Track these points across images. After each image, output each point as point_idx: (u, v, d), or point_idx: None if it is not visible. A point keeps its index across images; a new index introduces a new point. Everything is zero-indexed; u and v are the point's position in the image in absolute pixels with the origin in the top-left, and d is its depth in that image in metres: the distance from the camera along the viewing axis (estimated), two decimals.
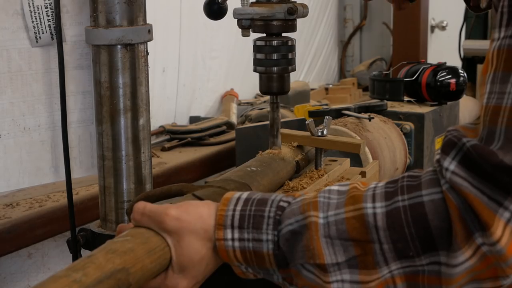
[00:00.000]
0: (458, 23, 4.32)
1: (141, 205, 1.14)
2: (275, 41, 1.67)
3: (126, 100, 1.64)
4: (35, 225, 2.09)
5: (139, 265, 1.04)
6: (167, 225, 1.11)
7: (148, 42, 1.68)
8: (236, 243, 1.10)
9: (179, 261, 1.11)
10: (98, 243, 1.10)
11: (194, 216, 1.12)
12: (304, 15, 1.68)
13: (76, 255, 1.70)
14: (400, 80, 2.83)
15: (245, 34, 1.68)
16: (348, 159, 1.90)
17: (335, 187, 1.11)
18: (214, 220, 1.12)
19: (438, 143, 2.74)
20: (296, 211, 1.09)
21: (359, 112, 2.54)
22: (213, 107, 3.56)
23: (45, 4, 1.71)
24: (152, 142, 2.12)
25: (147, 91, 1.69)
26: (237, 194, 1.15)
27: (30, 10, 1.70)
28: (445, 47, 4.57)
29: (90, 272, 0.97)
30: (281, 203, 1.12)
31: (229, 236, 1.10)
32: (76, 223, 1.75)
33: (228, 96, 3.54)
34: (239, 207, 1.12)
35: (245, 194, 1.15)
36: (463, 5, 4.43)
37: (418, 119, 2.62)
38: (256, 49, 1.69)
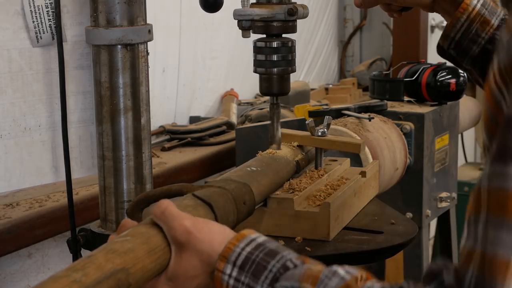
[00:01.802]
0: None
1: (165, 204, 1.13)
2: (275, 42, 1.67)
3: (126, 100, 1.64)
4: (35, 225, 2.09)
5: (139, 265, 1.04)
6: (176, 233, 1.11)
7: (148, 42, 1.68)
8: (232, 281, 1.09)
9: (174, 269, 1.11)
10: (98, 243, 1.11)
11: (205, 238, 1.11)
12: (304, 16, 1.68)
13: (76, 255, 1.70)
14: (400, 80, 2.83)
15: (245, 35, 1.68)
16: (348, 159, 1.91)
17: (341, 271, 1.07)
18: (222, 250, 1.11)
19: (438, 143, 2.74)
20: (296, 277, 1.07)
21: (359, 112, 2.54)
22: (213, 107, 3.56)
23: (46, 4, 1.71)
24: (152, 142, 2.12)
25: (147, 91, 1.69)
26: (254, 234, 1.14)
27: (30, 10, 1.70)
28: None
29: (90, 272, 0.97)
30: (288, 263, 1.10)
31: (228, 271, 1.10)
32: (76, 223, 1.75)
33: (228, 96, 3.54)
34: (248, 248, 1.11)
35: (261, 238, 1.13)
36: None
37: (418, 119, 2.63)
38: (256, 50, 1.69)
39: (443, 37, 1.67)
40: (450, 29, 1.64)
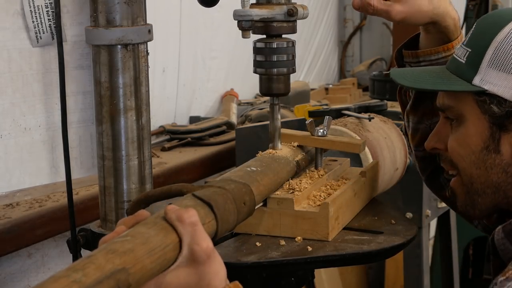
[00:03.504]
0: None
1: (195, 217, 1.13)
2: (275, 43, 1.67)
3: (126, 100, 1.64)
4: (35, 225, 2.09)
5: (139, 265, 1.04)
6: (199, 249, 1.10)
7: (148, 42, 1.68)
8: None
9: (170, 280, 1.10)
10: (98, 243, 1.10)
11: (214, 268, 1.12)
12: (304, 16, 1.68)
13: (76, 255, 1.70)
14: None
15: (245, 35, 1.68)
16: (348, 159, 1.91)
17: None
18: None
19: None
20: None
21: (359, 112, 2.54)
22: (213, 107, 3.56)
23: (46, 4, 1.71)
24: (152, 142, 2.13)
25: (147, 91, 1.69)
26: None
27: (30, 10, 1.70)
28: None
29: (90, 272, 0.97)
30: None
31: None
32: (76, 223, 1.75)
33: (228, 96, 3.54)
34: None
35: None
36: (463, 5, 4.43)
37: None
38: (256, 50, 1.69)
39: (411, 52, 1.70)
40: (424, 54, 1.67)
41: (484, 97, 1.36)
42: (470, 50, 1.40)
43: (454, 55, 1.45)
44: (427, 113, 1.70)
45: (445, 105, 1.44)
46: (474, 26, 1.44)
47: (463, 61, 1.40)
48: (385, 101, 2.74)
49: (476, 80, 1.37)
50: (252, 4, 1.68)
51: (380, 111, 2.63)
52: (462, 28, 4.23)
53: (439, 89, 1.44)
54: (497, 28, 1.37)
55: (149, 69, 1.70)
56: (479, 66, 1.36)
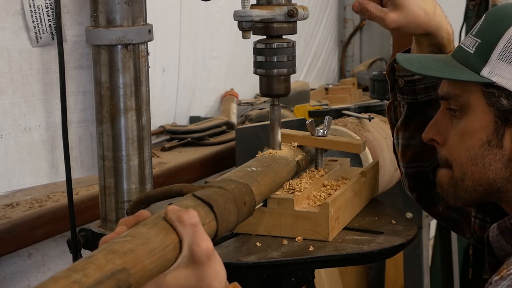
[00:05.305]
0: (458, 23, 4.32)
1: (196, 218, 1.13)
2: (275, 44, 1.67)
3: (126, 100, 1.64)
4: (35, 225, 2.09)
5: (140, 265, 1.04)
6: (199, 250, 1.10)
7: (148, 42, 1.68)
8: None
9: (169, 281, 1.10)
10: (98, 243, 1.11)
11: (214, 269, 1.12)
12: (305, 17, 1.68)
13: (76, 255, 1.70)
14: None
15: (245, 36, 1.68)
16: (348, 159, 1.91)
17: None
18: None
19: None
20: None
21: (359, 112, 2.53)
22: (213, 107, 3.56)
23: (46, 4, 1.71)
24: (152, 142, 2.12)
25: (147, 91, 1.69)
26: None
27: (30, 10, 1.70)
28: None
29: (91, 272, 0.97)
30: None
31: None
32: (76, 223, 1.75)
33: (228, 96, 3.54)
34: None
35: None
36: (463, 5, 4.42)
37: None
38: (257, 51, 1.69)
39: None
40: None
41: (492, 89, 1.35)
42: (479, 40, 1.38)
43: (461, 45, 1.43)
44: (419, 128, 1.64)
45: (450, 93, 1.42)
46: (483, 17, 1.43)
47: (472, 51, 1.39)
48: (385, 101, 2.73)
49: (485, 72, 1.35)
50: (252, 4, 1.68)
51: (380, 111, 2.63)
52: (462, 28, 4.25)
53: (447, 77, 1.41)
54: (509, 21, 1.36)
55: (149, 69, 1.70)
56: (488, 58, 1.35)
